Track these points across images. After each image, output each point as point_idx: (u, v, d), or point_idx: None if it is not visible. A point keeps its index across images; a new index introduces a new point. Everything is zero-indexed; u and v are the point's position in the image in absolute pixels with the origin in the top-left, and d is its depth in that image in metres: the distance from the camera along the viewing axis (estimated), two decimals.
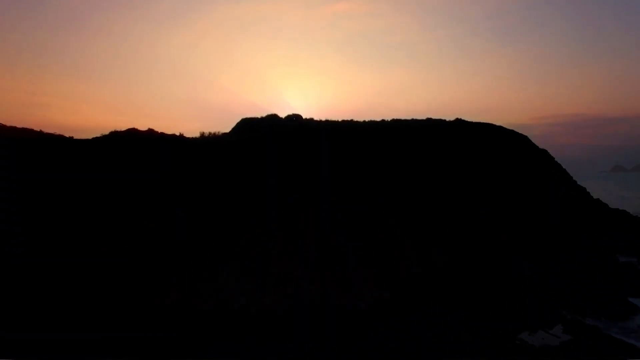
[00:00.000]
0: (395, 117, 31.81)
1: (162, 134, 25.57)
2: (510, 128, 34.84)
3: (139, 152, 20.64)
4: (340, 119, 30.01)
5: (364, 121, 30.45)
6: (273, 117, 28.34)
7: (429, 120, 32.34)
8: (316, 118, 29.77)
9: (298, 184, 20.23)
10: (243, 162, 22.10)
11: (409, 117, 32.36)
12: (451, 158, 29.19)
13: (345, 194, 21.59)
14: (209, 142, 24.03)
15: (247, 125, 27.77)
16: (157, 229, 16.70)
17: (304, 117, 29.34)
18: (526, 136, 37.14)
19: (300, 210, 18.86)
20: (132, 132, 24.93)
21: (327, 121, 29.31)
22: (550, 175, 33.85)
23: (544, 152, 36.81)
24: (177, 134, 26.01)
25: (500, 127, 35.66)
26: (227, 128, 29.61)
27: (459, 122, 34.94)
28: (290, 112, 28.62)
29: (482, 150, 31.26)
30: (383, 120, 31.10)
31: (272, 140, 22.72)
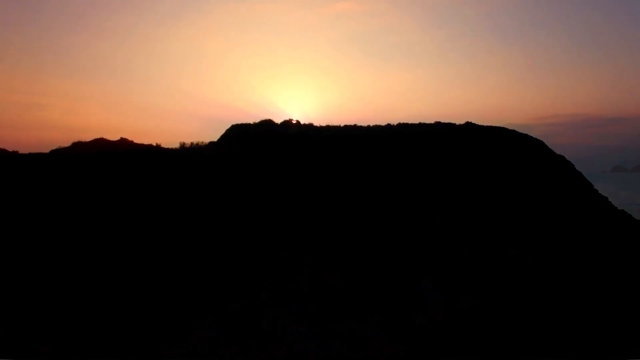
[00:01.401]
0: (401, 121, 29.81)
1: (137, 145, 22.99)
2: (511, 128, 32.88)
3: (107, 166, 18.13)
4: (342, 124, 27.95)
5: (369, 126, 28.33)
6: (268, 123, 26.10)
7: (437, 124, 30.21)
8: (316, 123, 27.75)
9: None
10: (232, 176, 19.72)
11: (416, 121, 30.32)
12: (462, 168, 26.99)
13: (347, 207, 19.28)
14: (189, 154, 21.57)
15: (238, 133, 25.49)
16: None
17: (302, 122, 27.16)
18: (541, 141, 34.79)
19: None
20: (100, 143, 22.40)
21: (327, 127, 27.15)
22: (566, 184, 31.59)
23: (561, 158, 34.42)
24: (154, 144, 23.67)
25: (513, 131, 33.38)
26: (218, 134, 27.29)
27: (469, 126, 32.54)
28: (287, 117, 26.52)
29: (494, 159, 29.06)
30: (389, 125, 29.03)
31: (267, 150, 20.46)
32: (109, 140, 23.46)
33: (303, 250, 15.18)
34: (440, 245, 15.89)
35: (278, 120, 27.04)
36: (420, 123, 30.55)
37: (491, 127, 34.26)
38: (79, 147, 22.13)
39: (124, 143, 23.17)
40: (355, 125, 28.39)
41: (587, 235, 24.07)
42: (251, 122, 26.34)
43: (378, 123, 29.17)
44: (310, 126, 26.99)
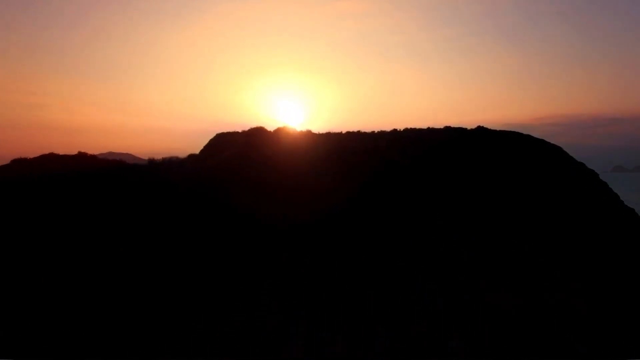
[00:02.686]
0: (403, 121, 29.02)
1: (97, 161, 20.71)
2: (511, 128, 32.68)
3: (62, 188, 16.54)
4: (344, 131, 26.98)
5: (373, 132, 27.39)
6: (258, 132, 24.44)
7: (447, 129, 29.21)
8: (315, 129, 26.87)
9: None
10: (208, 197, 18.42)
11: (417, 121, 29.29)
12: (471, 173, 25.95)
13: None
14: (159, 170, 19.85)
15: (223, 144, 23.97)
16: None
17: (298, 129, 26.11)
18: (559, 147, 33.73)
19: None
20: (48, 159, 19.91)
21: (328, 134, 26.18)
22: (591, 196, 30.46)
23: (581, 165, 33.28)
24: (123, 153, 21.79)
25: (528, 136, 32.72)
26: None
27: (481, 130, 31.63)
28: (283, 124, 25.22)
29: (507, 165, 28.06)
30: (395, 130, 28.13)
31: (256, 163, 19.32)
32: (60, 156, 20.36)
33: (303, 250, 15.23)
34: (440, 245, 15.94)
35: (272, 126, 25.49)
36: (429, 128, 29.64)
37: (504, 131, 33.32)
38: (20, 165, 19.66)
39: (80, 159, 20.32)
40: (359, 131, 27.41)
41: (602, 239, 22.95)
42: (240, 131, 24.79)
43: (380, 124, 28.37)
44: (308, 133, 25.78)
